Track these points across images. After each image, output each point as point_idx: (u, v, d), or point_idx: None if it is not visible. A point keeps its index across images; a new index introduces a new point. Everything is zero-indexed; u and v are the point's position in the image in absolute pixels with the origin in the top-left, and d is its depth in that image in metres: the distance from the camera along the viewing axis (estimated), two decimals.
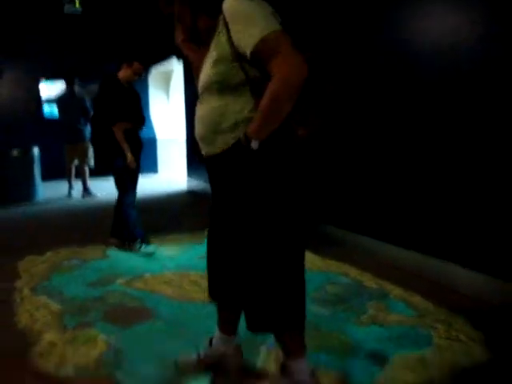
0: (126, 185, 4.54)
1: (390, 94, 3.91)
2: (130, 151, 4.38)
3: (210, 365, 2.32)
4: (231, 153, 1.87)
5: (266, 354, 2.47)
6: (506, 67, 2.95)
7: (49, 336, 2.73)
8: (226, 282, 2.15)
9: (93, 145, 5.08)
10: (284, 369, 2.05)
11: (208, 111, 1.92)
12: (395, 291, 3.32)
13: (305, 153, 1.95)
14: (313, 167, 4.11)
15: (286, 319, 1.99)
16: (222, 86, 1.85)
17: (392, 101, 3.89)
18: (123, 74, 4.51)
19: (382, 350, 2.51)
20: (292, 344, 2.04)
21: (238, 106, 1.86)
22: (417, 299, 3.17)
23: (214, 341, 2.34)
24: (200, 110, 1.99)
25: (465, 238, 3.30)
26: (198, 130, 2.01)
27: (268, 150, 1.82)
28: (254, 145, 1.77)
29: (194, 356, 2.35)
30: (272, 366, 2.35)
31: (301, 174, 1.95)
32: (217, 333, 2.33)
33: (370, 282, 3.53)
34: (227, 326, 2.30)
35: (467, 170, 3.25)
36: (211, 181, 2.12)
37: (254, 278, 1.96)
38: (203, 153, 2.02)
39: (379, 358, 2.43)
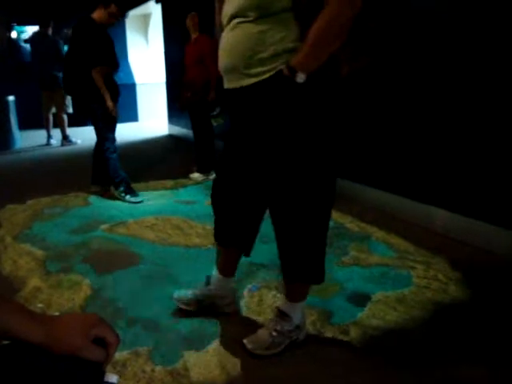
0: (105, 130, 4.41)
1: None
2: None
3: (206, 304, 2.32)
4: (267, 85, 1.72)
5: (249, 297, 2.51)
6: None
7: (33, 282, 2.73)
8: (236, 223, 2.15)
9: (66, 91, 4.74)
10: (282, 313, 2.06)
11: (243, 38, 1.73)
12: (376, 233, 3.37)
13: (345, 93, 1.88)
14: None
15: (308, 272, 2.01)
16: (261, 12, 1.67)
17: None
18: (98, 15, 4.24)
19: (364, 290, 2.57)
20: (299, 292, 2.07)
21: (280, 35, 1.68)
22: (398, 241, 3.22)
23: (212, 280, 2.33)
24: (231, 37, 1.79)
25: (445, 181, 3.33)
26: (228, 59, 1.81)
27: (312, 85, 1.67)
28: (300, 78, 1.63)
29: (189, 294, 2.35)
30: (255, 309, 2.39)
31: (339, 114, 1.86)
32: (215, 273, 2.31)
33: (351, 224, 3.58)
34: (228, 267, 2.30)
35: (448, 111, 3.25)
36: (235, 116, 1.99)
37: (284, 226, 1.96)
38: (230, 86, 1.86)
39: (361, 298, 2.49)
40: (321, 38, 1.61)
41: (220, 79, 5.12)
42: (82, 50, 4.22)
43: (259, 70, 1.72)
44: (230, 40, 1.79)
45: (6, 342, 0.82)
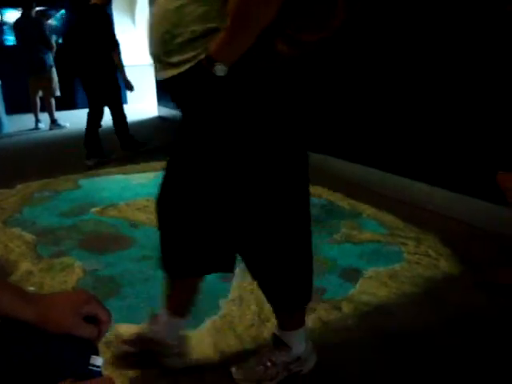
0: (120, 102, 5.40)
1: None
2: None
3: (146, 349, 1.82)
4: (188, 79, 1.35)
5: (242, 276, 2.51)
6: None
7: (25, 265, 2.72)
8: (197, 244, 1.66)
9: (79, 74, 5.15)
10: (278, 341, 1.74)
11: (159, 18, 1.36)
12: (368, 210, 3.38)
13: (297, 81, 1.43)
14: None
15: (295, 299, 1.69)
16: None
17: None
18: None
19: (356, 266, 2.59)
20: (293, 319, 1.73)
21: (199, 10, 1.27)
22: (388, 218, 3.24)
23: (158, 320, 1.84)
24: (152, 16, 1.43)
25: (434, 157, 3.34)
26: (149, 44, 1.44)
27: (239, 78, 1.31)
28: (219, 70, 1.26)
29: (134, 330, 1.92)
30: (248, 287, 2.40)
31: (289, 110, 1.46)
32: (162, 311, 1.83)
33: (342, 202, 3.59)
34: (181, 304, 1.82)
35: (435, 88, 3.24)
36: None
37: (254, 256, 1.61)
38: (158, 78, 1.48)
39: (353, 274, 2.51)
40: (239, 17, 1.23)
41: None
42: (101, 35, 4.79)
43: (179, 58, 1.34)
44: (150, 20, 1.43)
45: None
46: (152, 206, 3.62)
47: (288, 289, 1.65)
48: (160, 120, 8.51)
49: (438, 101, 3.26)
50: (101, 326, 0.85)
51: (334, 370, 1.81)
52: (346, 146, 4.19)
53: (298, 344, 1.73)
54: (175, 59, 1.34)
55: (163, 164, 4.95)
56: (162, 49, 1.37)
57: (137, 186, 4.29)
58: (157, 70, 1.45)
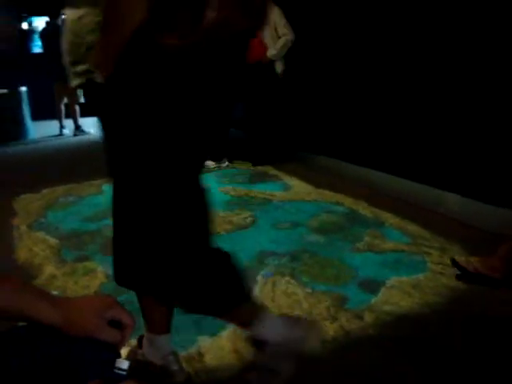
0: None
1: None
2: None
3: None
4: (89, 88, 1.38)
5: (263, 284, 2.51)
6: None
7: (49, 269, 2.75)
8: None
9: None
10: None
11: (67, 28, 1.37)
12: (391, 219, 3.34)
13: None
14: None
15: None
16: None
17: None
18: None
19: (378, 276, 2.55)
20: (243, 317, 1.61)
21: (95, 21, 1.26)
22: (412, 227, 3.20)
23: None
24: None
25: (460, 166, 3.29)
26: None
27: (120, 81, 1.22)
28: (97, 77, 1.24)
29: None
30: (268, 295, 2.39)
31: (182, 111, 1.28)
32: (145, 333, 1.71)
33: (365, 210, 3.55)
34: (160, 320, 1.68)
35: (460, 97, 3.20)
36: None
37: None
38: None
39: (375, 283, 2.47)
40: (103, 23, 1.19)
41: None
42: None
43: (81, 68, 1.39)
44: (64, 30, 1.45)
45: (22, 324, 0.83)
46: None
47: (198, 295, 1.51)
48: None
49: (461, 110, 3.22)
50: (124, 330, 0.85)
51: (355, 379, 1.79)
52: (369, 153, 4.16)
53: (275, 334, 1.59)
54: (79, 69, 1.39)
55: None
56: (69, 58, 1.42)
57: None
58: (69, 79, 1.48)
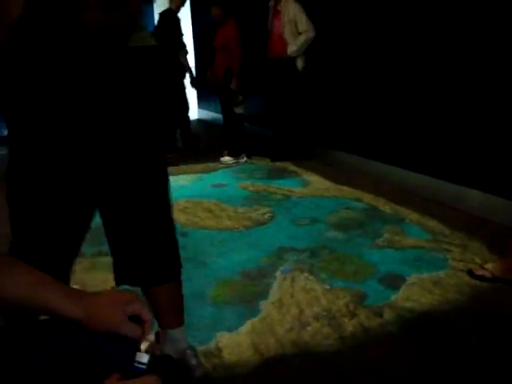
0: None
1: None
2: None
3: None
4: None
5: (282, 279, 2.49)
6: None
7: None
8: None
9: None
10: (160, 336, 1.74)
11: None
12: (411, 216, 3.31)
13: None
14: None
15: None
16: None
17: None
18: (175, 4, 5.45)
19: (398, 273, 2.52)
20: (171, 302, 1.72)
21: None
22: (433, 223, 3.16)
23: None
24: None
25: (481, 162, 3.24)
26: None
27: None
28: None
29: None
30: (288, 291, 2.38)
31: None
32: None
33: (384, 206, 3.52)
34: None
35: (481, 94, 3.15)
36: None
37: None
38: None
39: (395, 280, 2.45)
40: None
41: (244, 67, 5.14)
42: (171, 37, 5.38)
43: None
44: None
45: (43, 317, 0.83)
46: (192, 207, 3.67)
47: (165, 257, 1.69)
48: (200, 123, 8.57)
49: (482, 107, 3.17)
50: (144, 325, 0.85)
51: (373, 376, 1.77)
52: (389, 149, 4.12)
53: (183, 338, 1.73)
54: None
55: (204, 166, 5.02)
56: None
57: (176, 188, 4.32)
58: None
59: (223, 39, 5.04)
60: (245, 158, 5.22)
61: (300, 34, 4.69)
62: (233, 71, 4.97)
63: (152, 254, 1.65)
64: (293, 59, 4.80)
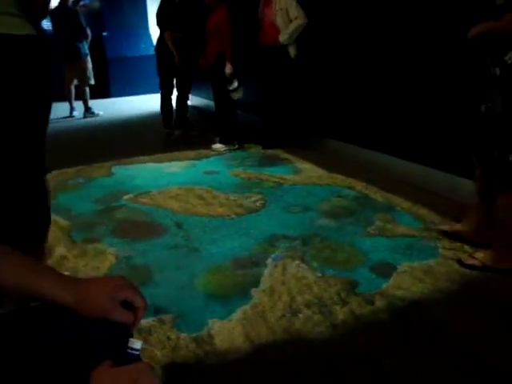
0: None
1: None
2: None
3: None
4: None
5: (273, 266, 2.50)
6: None
7: (59, 250, 2.76)
8: None
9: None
10: None
11: None
12: (402, 204, 3.31)
13: None
14: None
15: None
16: None
17: None
18: None
19: (389, 260, 2.53)
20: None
21: None
22: (424, 212, 3.17)
23: None
24: None
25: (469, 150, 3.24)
26: None
27: None
28: None
29: None
30: (279, 278, 2.38)
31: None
32: None
33: (376, 195, 3.52)
34: None
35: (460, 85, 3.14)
36: None
37: None
38: None
39: (386, 268, 2.45)
40: None
41: (237, 52, 5.11)
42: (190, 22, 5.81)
43: None
44: None
45: (35, 303, 0.82)
46: (184, 194, 3.67)
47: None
48: (193, 110, 8.52)
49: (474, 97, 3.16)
50: (137, 312, 0.85)
51: (364, 364, 1.78)
52: (382, 137, 4.12)
53: None
54: None
55: (196, 153, 5.01)
56: None
57: (169, 174, 4.31)
58: None
59: (214, 24, 5.00)
60: (236, 146, 5.20)
61: (291, 21, 4.66)
62: (225, 56, 4.93)
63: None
64: (285, 47, 4.77)
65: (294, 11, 4.61)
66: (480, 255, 2.46)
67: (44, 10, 1.92)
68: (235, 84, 4.95)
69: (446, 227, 2.84)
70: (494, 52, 2.18)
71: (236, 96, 5.05)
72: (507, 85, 2.16)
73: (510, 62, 2.11)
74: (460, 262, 2.49)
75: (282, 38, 4.69)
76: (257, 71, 5.20)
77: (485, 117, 2.30)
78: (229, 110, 5.18)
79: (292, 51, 4.80)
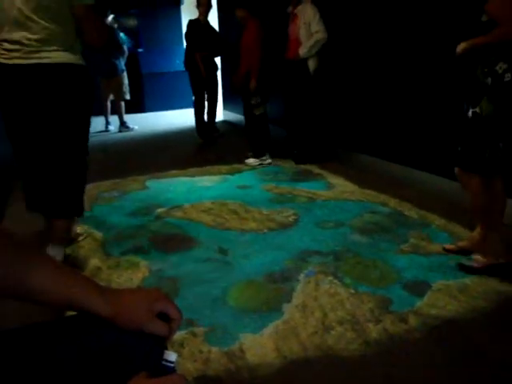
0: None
1: None
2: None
3: None
4: None
5: (306, 282, 2.48)
6: None
7: (94, 262, 2.81)
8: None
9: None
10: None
11: None
12: (437, 221, 3.26)
13: None
14: None
15: (69, 208, 2.67)
16: None
17: None
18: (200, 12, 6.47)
19: (424, 278, 2.49)
20: (63, 230, 2.68)
21: None
22: (459, 229, 3.11)
23: None
24: None
25: (508, 169, 3.18)
26: None
27: None
28: None
29: None
30: (311, 294, 2.36)
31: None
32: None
33: (410, 211, 3.48)
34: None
35: None
36: None
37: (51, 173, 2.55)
38: None
39: (420, 286, 2.41)
40: None
41: (262, 68, 5.22)
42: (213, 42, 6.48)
43: None
44: None
45: (72, 313, 0.83)
46: (217, 208, 3.69)
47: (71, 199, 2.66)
48: (225, 124, 8.61)
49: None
50: (172, 323, 0.85)
51: (398, 383, 1.75)
52: (415, 153, 4.07)
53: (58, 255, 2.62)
54: None
55: (229, 167, 5.03)
56: None
57: (201, 188, 4.35)
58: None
59: (245, 41, 5.08)
60: (269, 160, 5.21)
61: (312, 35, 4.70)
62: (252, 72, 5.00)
63: (55, 195, 2.59)
64: (305, 60, 4.80)
65: (316, 25, 4.65)
66: (479, 258, 2.56)
67: (98, 40, 2.51)
68: (258, 100, 5.01)
69: (450, 246, 2.82)
70: (483, 64, 2.34)
71: (257, 112, 5.11)
72: (499, 92, 2.31)
73: (500, 71, 2.28)
74: (461, 265, 2.58)
75: (302, 51, 4.74)
76: (281, 84, 5.24)
77: (471, 122, 2.44)
78: (258, 123, 5.21)
79: (311, 65, 4.82)
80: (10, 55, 2.31)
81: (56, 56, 2.34)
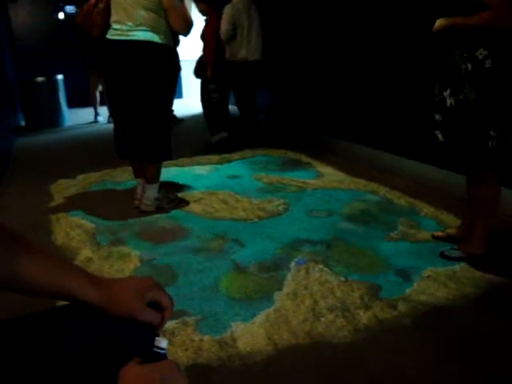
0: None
1: None
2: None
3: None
4: None
5: (296, 270, 2.50)
6: None
7: (85, 252, 2.81)
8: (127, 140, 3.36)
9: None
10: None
11: None
12: (426, 209, 3.29)
13: None
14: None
15: (158, 154, 3.39)
16: None
17: None
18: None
19: (413, 265, 2.52)
20: (154, 173, 3.39)
21: None
22: (448, 217, 3.14)
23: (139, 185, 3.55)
24: None
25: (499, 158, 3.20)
26: None
27: None
28: None
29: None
30: (302, 282, 2.38)
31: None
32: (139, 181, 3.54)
33: (399, 199, 3.51)
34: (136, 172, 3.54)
35: None
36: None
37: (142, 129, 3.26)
38: None
39: (410, 273, 2.44)
40: None
41: (218, 58, 5.49)
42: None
43: None
44: None
45: (65, 303, 0.84)
46: (207, 198, 3.70)
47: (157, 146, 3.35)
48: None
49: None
50: (163, 312, 0.86)
51: (387, 369, 1.77)
52: (405, 142, 4.09)
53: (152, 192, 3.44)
54: None
55: (219, 157, 5.03)
56: None
57: (192, 179, 4.34)
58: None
59: (204, 32, 5.48)
60: (226, 134, 5.64)
61: None
62: (209, 61, 5.41)
63: (147, 145, 3.30)
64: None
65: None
66: (463, 246, 2.59)
67: (184, 28, 3.15)
68: (211, 86, 5.53)
69: (439, 233, 2.85)
70: (462, 48, 2.30)
71: (214, 96, 5.58)
72: (480, 78, 2.28)
73: (481, 57, 2.24)
74: (443, 255, 2.60)
75: None
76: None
77: (455, 109, 2.41)
78: (216, 107, 5.67)
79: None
80: (114, 33, 3.13)
81: (144, 36, 3.05)
